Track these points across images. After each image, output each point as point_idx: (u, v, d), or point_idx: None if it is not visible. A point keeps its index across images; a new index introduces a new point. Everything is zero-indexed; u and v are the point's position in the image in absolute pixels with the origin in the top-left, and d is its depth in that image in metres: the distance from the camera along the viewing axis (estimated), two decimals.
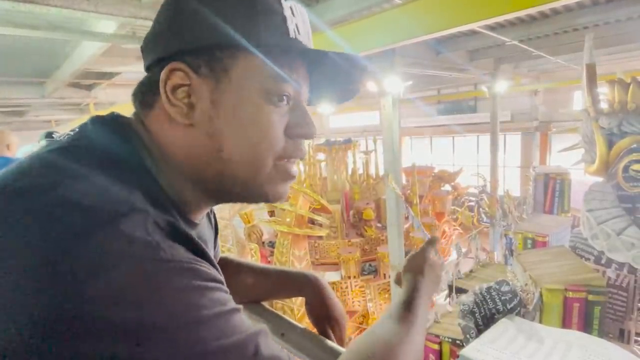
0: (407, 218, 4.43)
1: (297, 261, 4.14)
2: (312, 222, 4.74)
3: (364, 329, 4.70)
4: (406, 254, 0.68)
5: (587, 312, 1.24)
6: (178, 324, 0.27)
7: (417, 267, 0.58)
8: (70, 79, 3.98)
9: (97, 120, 0.39)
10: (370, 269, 4.92)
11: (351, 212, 5.54)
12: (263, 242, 5.44)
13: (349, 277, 4.58)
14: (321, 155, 6.13)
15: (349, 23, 2.83)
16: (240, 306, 0.33)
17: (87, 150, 0.35)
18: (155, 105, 0.40)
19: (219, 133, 0.38)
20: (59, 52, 3.36)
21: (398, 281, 0.64)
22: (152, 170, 0.37)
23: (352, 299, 4.57)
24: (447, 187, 7.13)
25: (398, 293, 0.55)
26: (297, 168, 0.42)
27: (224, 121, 0.38)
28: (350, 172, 6.08)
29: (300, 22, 0.40)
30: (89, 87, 5.25)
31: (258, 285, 0.65)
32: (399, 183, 4.05)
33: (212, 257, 0.36)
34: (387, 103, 3.93)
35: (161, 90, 0.37)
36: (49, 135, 2.10)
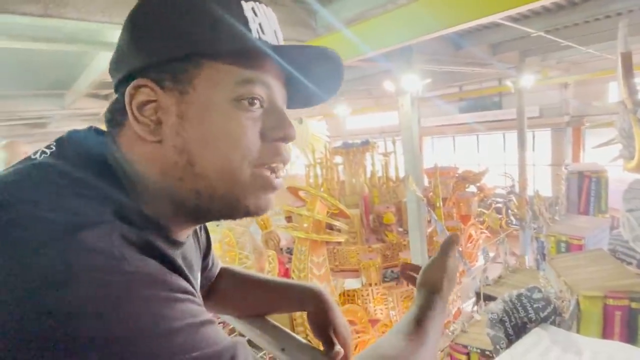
0: (429, 222, 4.32)
1: (315, 268, 4.08)
2: (330, 227, 4.69)
3: None
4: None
5: (630, 321, 1.15)
6: (145, 336, 0.27)
7: (434, 282, 0.55)
8: (88, 90, 4.16)
9: (73, 135, 0.39)
10: (392, 275, 4.81)
11: (371, 217, 5.45)
12: (281, 249, 5.44)
13: (370, 285, 4.48)
14: (338, 158, 6.07)
15: (364, 21, 2.80)
16: (214, 318, 0.32)
17: (58, 167, 0.35)
18: (125, 124, 0.39)
19: (189, 147, 0.37)
20: (77, 63, 3.53)
21: (406, 277, 0.60)
22: (125, 187, 0.36)
23: (374, 307, 4.47)
24: (473, 188, 6.92)
25: (410, 307, 0.52)
26: (282, 178, 0.43)
27: (193, 134, 0.37)
28: (369, 174, 5.99)
29: (264, 22, 0.39)
30: (107, 97, 5.45)
31: (258, 299, 0.63)
32: (420, 185, 3.96)
33: (190, 277, 0.36)
34: (405, 102, 3.85)
35: (127, 108, 0.37)
36: None
